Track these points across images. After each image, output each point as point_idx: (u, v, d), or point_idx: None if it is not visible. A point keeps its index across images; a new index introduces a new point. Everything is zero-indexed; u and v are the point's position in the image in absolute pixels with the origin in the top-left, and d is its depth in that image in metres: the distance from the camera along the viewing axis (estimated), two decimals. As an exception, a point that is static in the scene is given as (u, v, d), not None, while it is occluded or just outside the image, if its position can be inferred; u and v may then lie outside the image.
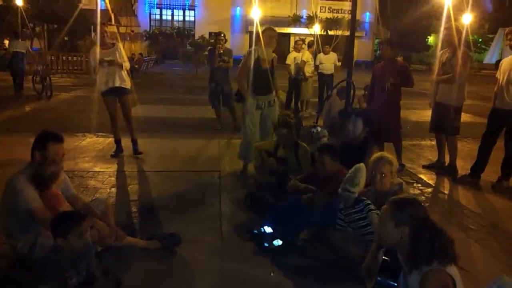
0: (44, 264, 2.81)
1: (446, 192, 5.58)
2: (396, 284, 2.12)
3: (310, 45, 11.96)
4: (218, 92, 8.70)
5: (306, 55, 11.34)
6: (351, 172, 3.50)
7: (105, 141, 7.43)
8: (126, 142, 6.81)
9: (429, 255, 2.00)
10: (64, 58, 21.85)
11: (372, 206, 3.37)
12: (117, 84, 6.38)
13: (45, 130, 3.68)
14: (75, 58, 21.98)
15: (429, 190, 5.62)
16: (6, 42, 21.10)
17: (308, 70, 11.23)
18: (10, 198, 3.37)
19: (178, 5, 38.60)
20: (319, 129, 5.77)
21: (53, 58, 21.48)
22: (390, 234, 2.17)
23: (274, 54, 5.79)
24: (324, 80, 11.39)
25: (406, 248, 2.08)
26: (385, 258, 2.18)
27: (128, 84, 6.55)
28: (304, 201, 3.90)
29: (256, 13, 14.21)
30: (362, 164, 3.52)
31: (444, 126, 6.12)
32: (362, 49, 38.24)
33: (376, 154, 3.53)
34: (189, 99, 13.30)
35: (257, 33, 5.74)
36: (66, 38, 25.82)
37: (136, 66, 20.96)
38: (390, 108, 6.16)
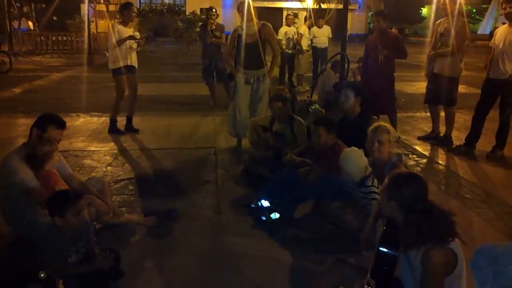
0: (43, 243, 2.80)
1: (441, 162, 5.61)
2: (398, 254, 2.13)
3: (306, 19, 11.87)
4: (211, 68, 8.61)
5: (303, 28, 11.24)
6: (340, 161, 3.40)
7: (99, 121, 7.37)
8: (121, 121, 6.77)
9: (416, 239, 2.00)
10: (53, 38, 21.47)
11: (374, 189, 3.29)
12: (133, 62, 6.59)
13: (51, 113, 3.64)
14: (65, 38, 21.60)
15: (424, 161, 5.66)
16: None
17: (305, 43, 11.12)
18: (5, 178, 3.34)
19: (168, -19, 37.88)
20: (316, 105, 5.74)
21: (42, 38, 21.11)
22: (385, 205, 2.17)
23: (257, 28, 5.62)
24: (318, 54, 11.29)
25: (400, 225, 2.08)
26: (386, 228, 2.19)
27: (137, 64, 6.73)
28: (300, 174, 3.91)
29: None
30: (345, 151, 3.46)
31: (441, 97, 6.12)
32: (356, 23, 37.84)
33: (374, 124, 3.52)
34: (182, 76, 13.17)
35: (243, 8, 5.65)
36: (54, 18, 25.35)
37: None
38: (384, 80, 6.14)
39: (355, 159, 3.34)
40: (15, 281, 2.04)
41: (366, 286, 2.08)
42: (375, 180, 3.29)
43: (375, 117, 4.73)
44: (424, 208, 2.05)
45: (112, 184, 4.55)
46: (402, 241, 2.06)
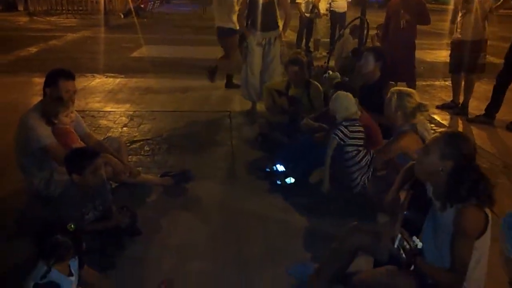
0: (61, 200, 2.85)
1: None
2: (424, 218, 2.12)
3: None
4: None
5: (322, -9, 10.91)
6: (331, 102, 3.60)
7: (114, 82, 7.36)
8: (136, 82, 6.76)
9: (468, 195, 1.97)
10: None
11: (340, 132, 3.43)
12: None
13: (56, 68, 3.63)
14: (80, -1, 21.33)
15: (443, 130, 5.57)
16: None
17: (323, 7, 10.80)
18: (24, 136, 3.38)
19: None
20: (330, 72, 5.62)
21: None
22: (431, 164, 2.10)
23: None
24: (336, 18, 10.97)
25: (445, 184, 2.04)
26: (412, 191, 2.16)
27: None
28: (316, 139, 3.87)
29: None
30: (338, 93, 3.60)
31: (466, 64, 5.97)
32: (376, -13, 36.68)
33: (394, 88, 3.44)
34: (197, 39, 13.00)
35: None
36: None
37: (142, 6, 20.41)
38: (405, 47, 5.97)
39: (343, 100, 3.52)
40: (39, 233, 2.07)
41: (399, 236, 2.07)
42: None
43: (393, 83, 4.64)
44: (474, 167, 2.03)
45: (128, 144, 4.57)
46: (446, 199, 2.02)
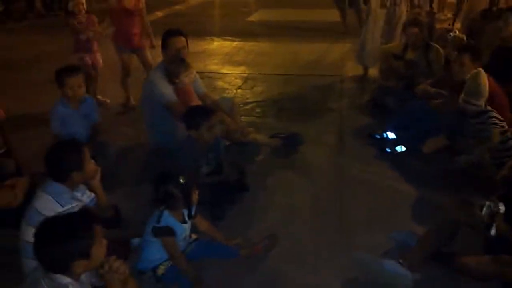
0: (179, 153, 3.11)
1: None
2: None
3: None
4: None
5: None
6: (471, 81, 3.17)
7: (231, 45, 7.63)
8: (251, 46, 6.91)
9: None
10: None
11: (495, 119, 3.08)
12: None
13: (169, 29, 3.85)
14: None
15: None
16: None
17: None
18: (148, 92, 3.71)
19: None
20: (456, 31, 5.17)
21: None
22: None
23: None
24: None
25: None
26: None
27: None
28: (433, 106, 3.65)
29: None
30: (479, 70, 3.19)
31: None
32: None
33: None
34: (311, 2, 12.76)
35: None
36: None
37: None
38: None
39: (484, 81, 3.14)
40: (157, 180, 2.31)
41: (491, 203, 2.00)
42: None
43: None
44: None
45: (241, 105, 4.76)
46: None
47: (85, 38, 4.66)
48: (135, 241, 2.55)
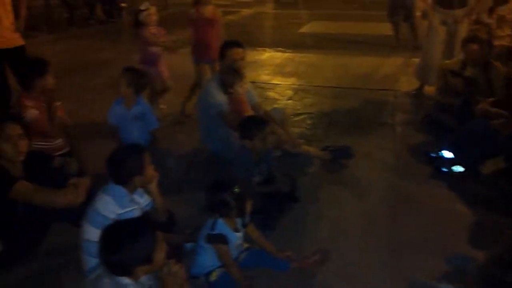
0: (233, 162, 3.16)
1: None
2: None
3: None
4: (399, 4, 8.03)
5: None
6: None
7: (282, 56, 7.67)
8: (302, 57, 6.92)
9: None
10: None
11: None
12: None
13: (227, 40, 3.93)
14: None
15: None
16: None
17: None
18: (204, 100, 3.81)
19: None
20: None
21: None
22: None
23: None
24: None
25: None
26: None
27: None
28: (494, 126, 3.51)
29: None
30: None
31: None
32: None
33: None
34: (364, 15, 12.63)
35: None
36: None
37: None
38: None
39: None
40: (212, 188, 2.35)
41: None
42: None
43: None
44: None
45: (292, 117, 4.77)
46: None
47: (155, 50, 4.55)
48: (188, 245, 2.61)
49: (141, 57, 4.63)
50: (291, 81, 6.25)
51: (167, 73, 4.74)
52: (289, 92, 5.72)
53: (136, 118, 3.42)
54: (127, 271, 1.73)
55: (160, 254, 1.78)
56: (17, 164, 2.57)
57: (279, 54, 7.85)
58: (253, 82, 5.74)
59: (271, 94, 5.65)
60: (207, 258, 2.39)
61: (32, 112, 3.26)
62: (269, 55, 7.77)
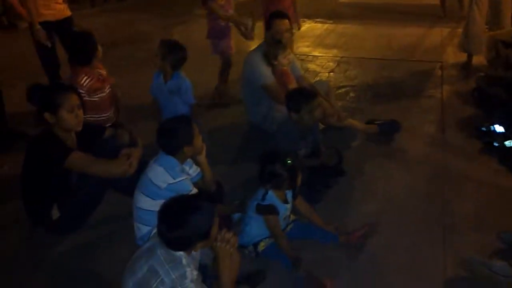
0: (279, 134, 3.14)
1: None
2: None
3: None
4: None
5: None
6: None
7: (323, 27, 7.49)
8: (343, 28, 6.73)
9: None
10: None
11: None
12: None
13: (275, 10, 3.85)
14: None
15: None
16: None
17: None
18: (248, 72, 3.79)
19: None
20: None
21: None
22: None
23: None
24: None
25: None
26: None
27: None
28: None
29: None
30: None
31: None
32: None
33: None
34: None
35: None
36: None
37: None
38: None
39: None
40: (264, 160, 2.36)
41: None
42: None
43: None
44: None
45: (335, 89, 4.67)
46: None
47: (223, 23, 4.29)
48: (235, 216, 2.66)
49: (209, 30, 4.42)
50: (332, 53, 6.11)
51: (233, 49, 4.50)
52: (331, 64, 5.61)
53: (172, 92, 3.36)
54: (186, 246, 1.76)
55: (215, 228, 1.81)
56: (72, 135, 2.64)
57: (319, 25, 7.66)
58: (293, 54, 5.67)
59: (312, 66, 5.55)
60: (256, 228, 2.42)
61: (92, 85, 3.28)
62: (308, 26, 7.59)
